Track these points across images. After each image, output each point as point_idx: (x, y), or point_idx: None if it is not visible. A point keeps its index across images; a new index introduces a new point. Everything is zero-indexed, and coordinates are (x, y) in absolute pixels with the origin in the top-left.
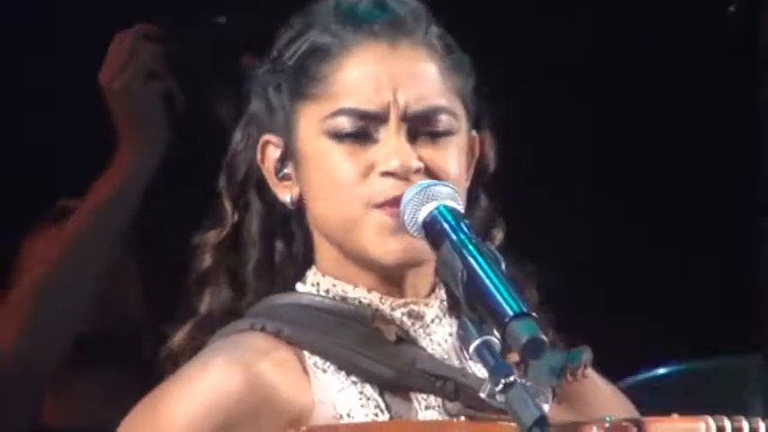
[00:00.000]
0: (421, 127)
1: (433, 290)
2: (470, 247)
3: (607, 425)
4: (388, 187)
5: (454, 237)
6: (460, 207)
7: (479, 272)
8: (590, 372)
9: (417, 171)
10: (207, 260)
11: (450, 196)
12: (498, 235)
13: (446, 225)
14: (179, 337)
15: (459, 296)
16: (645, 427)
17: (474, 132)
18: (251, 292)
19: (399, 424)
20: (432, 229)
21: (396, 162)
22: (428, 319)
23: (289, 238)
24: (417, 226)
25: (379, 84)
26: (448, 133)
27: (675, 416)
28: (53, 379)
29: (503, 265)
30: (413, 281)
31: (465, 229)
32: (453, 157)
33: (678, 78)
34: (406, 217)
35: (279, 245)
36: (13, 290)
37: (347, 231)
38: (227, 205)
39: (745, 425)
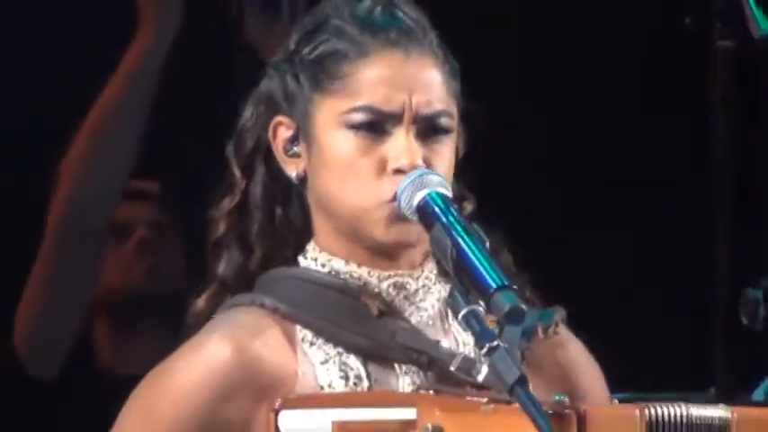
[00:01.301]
0: (426, 127)
1: (422, 262)
2: (458, 227)
3: (551, 411)
4: (396, 185)
5: (444, 219)
6: (449, 193)
7: (466, 249)
8: (563, 331)
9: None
10: (221, 227)
11: (441, 184)
12: (469, 207)
13: (437, 209)
14: (201, 301)
15: (449, 271)
16: (585, 416)
17: None
18: (258, 254)
19: (370, 394)
20: (424, 213)
21: (406, 160)
22: (412, 289)
23: (287, 204)
24: (412, 209)
25: (395, 87)
26: (447, 132)
27: (616, 401)
28: (114, 328)
29: (486, 244)
30: (406, 255)
31: (453, 212)
32: (447, 154)
33: (636, 82)
34: (402, 202)
35: (278, 210)
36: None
37: (357, 219)
38: (237, 172)
39: (677, 410)
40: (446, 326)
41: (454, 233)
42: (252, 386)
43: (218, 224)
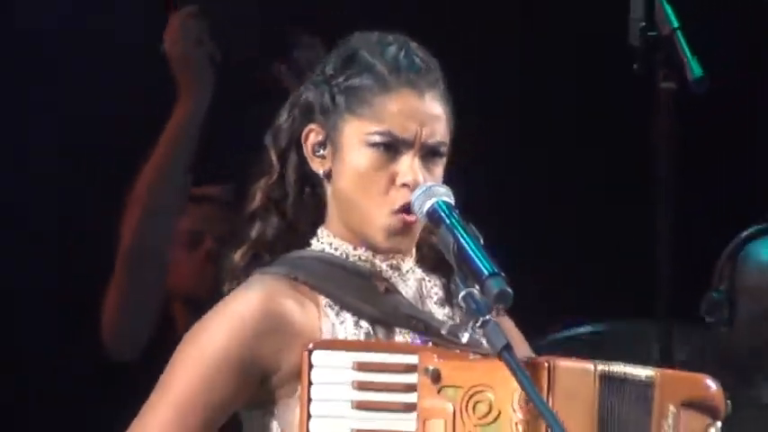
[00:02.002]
0: (428, 153)
1: (409, 252)
2: (459, 228)
3: (527, 361)
4: (402, 196)
5: (448, 221)
6: (452, 201)
7: (465, 245)
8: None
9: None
10: (258, 200)
11: (446, 194)
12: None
13: (442, 213)
14: (237, 256)
15: (452, 261)
16: (554, 363)
17: None
18: (291, 219)
19: (382, 343)
20: (432, 216)
21: (410, 177)
22: (404, 269)
23: (311, 186)
24: (423, 214)
25: (410, 120)
26: (442, 157)
27: (574, 359)
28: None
29: (480, 240)
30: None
31: (455, 215)
32: (439, 172)
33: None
34: (415, 208)
35: (307, 189)
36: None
37: (364, 223)
38: (274, 159)
39: (618, 367)
40: (423, 301)
41: (456, 232)
42: (281, 333)
43: (254, 197)
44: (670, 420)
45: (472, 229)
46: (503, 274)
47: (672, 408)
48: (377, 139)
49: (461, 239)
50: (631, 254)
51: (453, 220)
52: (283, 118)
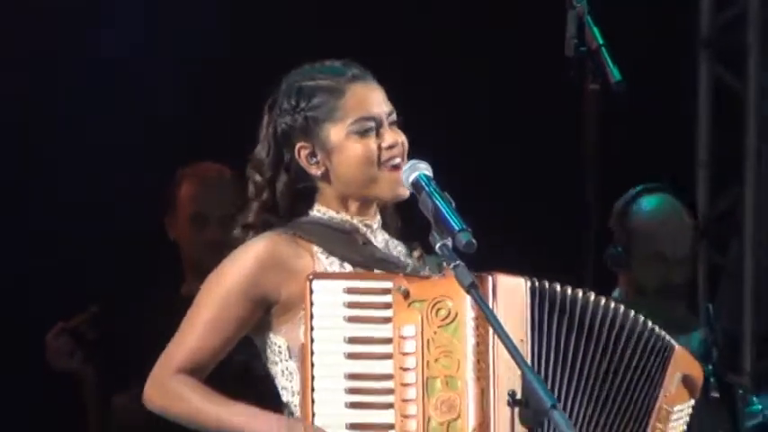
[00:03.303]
0: (390, 122)
1: (375, 215)
2: (436, 194)
3: (477, 275)
4: (391, 156)
5: (427, 189)
6: (431, 173)
7: (440, 207)
8: None
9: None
10: (252, 217)
11: (426, 168)
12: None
13: (423, 183)
14: (237, 231)
15: (431, 220)
16: (495, 278)
17: None
18: (280, 205)
19: (364, 273)
20: (416, 186)
21: (391, 139)
22: (374, 227)
23: (294, 183)
24: (408, 184)
25: (370, 103)
26: (396, 121)
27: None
28: (195, 264)
29: (452, 204)
30: (371, 211)
31: (433, 185)
32: (400, 132)
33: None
34: (403, 180)
35: (287, 186)
36: None
37: (371, 187)
38: (263, 185)
39: (545, 283)
40: (390, 252)
41: (433, 198)
42: (281, 270)
43: (249, 215)
44: None
45: (446, 196)
46: (469, 229)
47: None
48: (356, 127)
49: (438, 203)
50: (562, 219)
51: (431, 189)
52: (263, 154)
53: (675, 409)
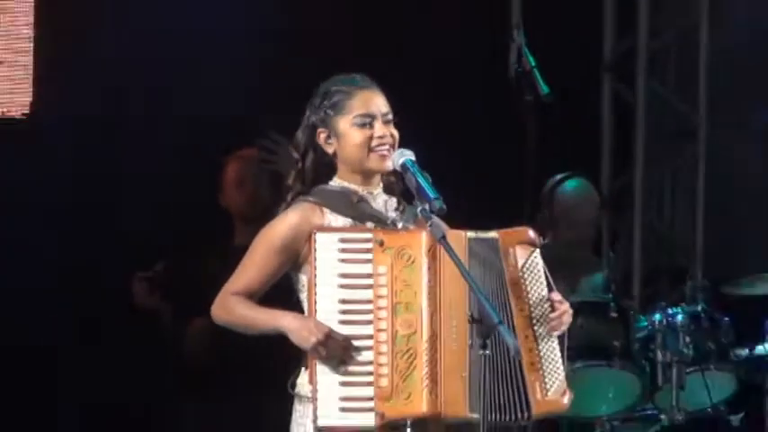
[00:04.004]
0: (385, 121)
1: (377, 184)
2: (418, 174)
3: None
4: (380, 143)
5: (412, 169)
6: (414, 158)
7: (421, 182)
8: None
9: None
10: (291, 179)
11: (411, 155)
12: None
13: (409, 165)
14: (289, 180)
15: (413, 191)
16: (444, 235)
17: None
18: (307, 183)
19: (353, 228)
20: (404, 167)
21: (381, 132)
22: (374, 193)
23: (320, 159)
24: (398, 166)
25: (371, 104)
26: (392, 120)
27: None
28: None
29: (430, 180)
30: (374, 180)
31: (416, 166)
32: (394, 129)
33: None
34: (394, 162)
35: (312, 163)
36: None
37: (364, 163)
38: (298, 157)
39: (477, 233)
40: (387, 209)
41: (416, 175)
42: (305, 231)
43: (289, 178)
44: (510, 254)
45: (425, 174)
46: (441, 197)
47: (510, 248)
48: (358, 120)
49: (419, 179)
50: (505, 187)
51: (415, 169)
52: (299, 136)
53: (521, 264)
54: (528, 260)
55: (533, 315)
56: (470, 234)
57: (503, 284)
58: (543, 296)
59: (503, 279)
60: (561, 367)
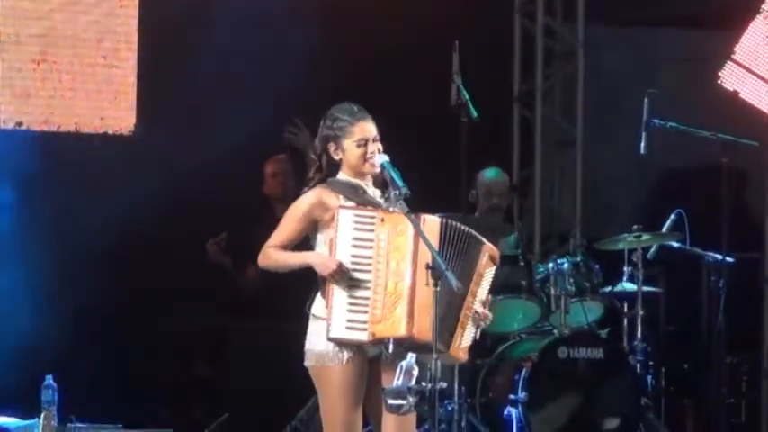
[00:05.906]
0: (374, 140)
1: (369, 180)
2: (392, 171)
3: (414, 216)
4: (371, 157)
5: (387, 167)
6: (389, 159)
7: (394, 176)
8: None
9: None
10: (312, 171)
11: (387, 157)
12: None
13: (386, 164)
14: (311, 173)
15: (390, 184)
16: (424, 216)
17: None
18: (323, 173)
19: (363, 207)
20: (382, 166)
21: (373, 149)
22: (369, 185)
23: (330, 161)
24: (378, 165)
25: (367, 131)
26: (378, 141)
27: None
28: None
29: (401, 174)
30: (366, 178)
31: (391, 166)
32: (380, 147)
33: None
34: (375, 163)
35: (326, 162)
36: None
37: (359, 168)
38: (316, 158)
39: (451, 221)
40: (378, 201)
41: (391, 172)
42: (323, 207)
43: (311, 169)
44: (484, 258)
45: (397, 170)
46: (407, 185)
47: (486, 254)
48: (357, 142)
49: (392, 174)
50: (450, 177)
51: (389, 167)
52: (317, 145)
53: (486, 272)
54: (489, 269)
55: (477, 299)
56: (445, 220)
57: (473, 270)
58: (485, 295)
59: (476, 268)
60: (472, 337)
